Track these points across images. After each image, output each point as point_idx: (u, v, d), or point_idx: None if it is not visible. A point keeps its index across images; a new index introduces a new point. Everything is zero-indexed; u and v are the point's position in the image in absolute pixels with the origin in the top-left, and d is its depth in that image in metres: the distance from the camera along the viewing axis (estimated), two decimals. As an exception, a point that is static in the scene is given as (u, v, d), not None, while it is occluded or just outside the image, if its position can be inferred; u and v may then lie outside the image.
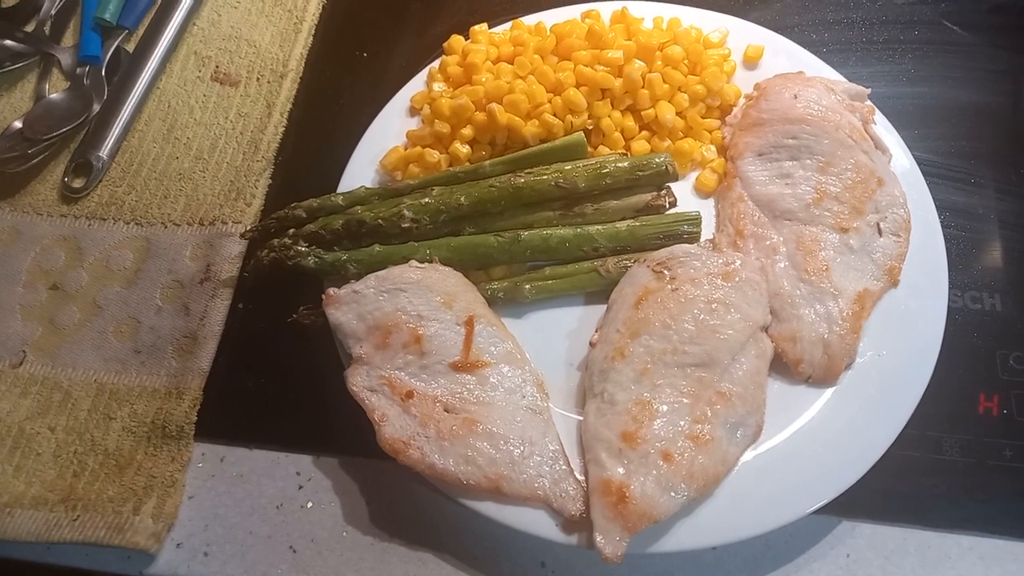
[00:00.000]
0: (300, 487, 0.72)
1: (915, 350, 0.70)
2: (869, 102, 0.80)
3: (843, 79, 0.81)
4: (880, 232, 0.74)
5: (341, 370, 0.71)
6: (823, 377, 0.70)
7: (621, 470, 0.64)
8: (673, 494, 0.62)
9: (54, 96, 0.94)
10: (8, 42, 0.97)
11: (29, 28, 0.99)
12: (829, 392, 0.69)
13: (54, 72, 0.97)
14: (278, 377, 0.77)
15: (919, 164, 0.78)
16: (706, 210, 0.79)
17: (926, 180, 0.77)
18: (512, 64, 0.83)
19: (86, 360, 0.79)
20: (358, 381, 0.70)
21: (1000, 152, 0.84)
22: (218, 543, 0.70)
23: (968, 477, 0.68)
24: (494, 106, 0.79)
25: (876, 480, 0.65)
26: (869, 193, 0.75)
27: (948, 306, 0.71)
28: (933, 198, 0.76)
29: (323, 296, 0.72)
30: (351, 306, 0.72)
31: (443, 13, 0.98)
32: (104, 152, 0.89)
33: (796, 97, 0.78)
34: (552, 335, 0.75)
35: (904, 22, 0.92)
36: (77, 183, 0.88)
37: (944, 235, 0.74)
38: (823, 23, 0.93)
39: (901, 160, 0.78)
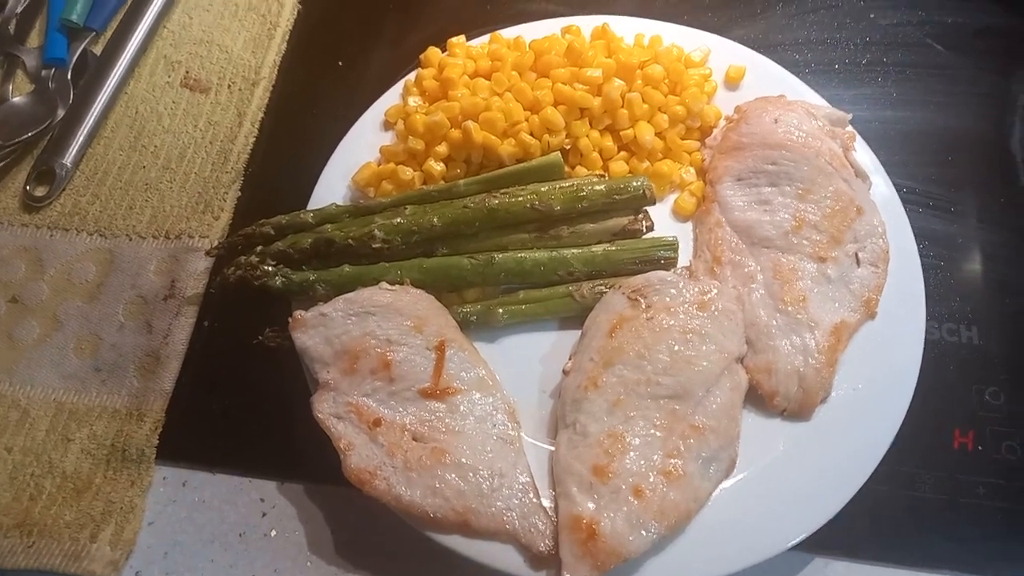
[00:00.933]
0: (264, 514, 0.71)
1: (891, 384, 0.69)
2: (850, 127, 0.78)
3: (825, 103, 0.80)
4: (858, 262, 0.73)
5: (308, 392, 0.70)
6: (798, 411, 0.69)
7: (592, 505, 0.63)
8: (643, 532, 0.61)
9: (17, 99, 0.90)
10: (-30, 42, 0.93)
11: (-8, 27, 0.96)
12: (804, 426, 0.69)
13: (18, 74, 0.94)
14: (243, 399, 0.75)
15: (899, 191, 0.77)
16: (684, 233, 0.78)
17: (906, 208, 0.76)
18: (489, 80, 0.81)
19: (45, 377, 0.77)
20: (324, 408, 0.68)
21: (982, 179, 0.84)
22: (178, 571, 0.68)
23: (941, 514, 0.68)
24: (470, 124, 0.77)
25: (850, 516, 0.64)
26: (848, 222, 0.74)
27: (925, 339, 0.70)
28: (912, 226, 0.75)
29: (289, 319, 0.70)
30: (318, 329, 0.70)
31: (421, 22, 0.95)
32: (68, 159, 0.86)
33: (777, 121, 0.77)
34: (525, 361, 0.74)
35: (888, 43, 0.91)
36: (39, 191, 0.86)
37: (923, 264, 0.73)
38: (806, 43, 0.92)
39: (881, 188, 0.77)
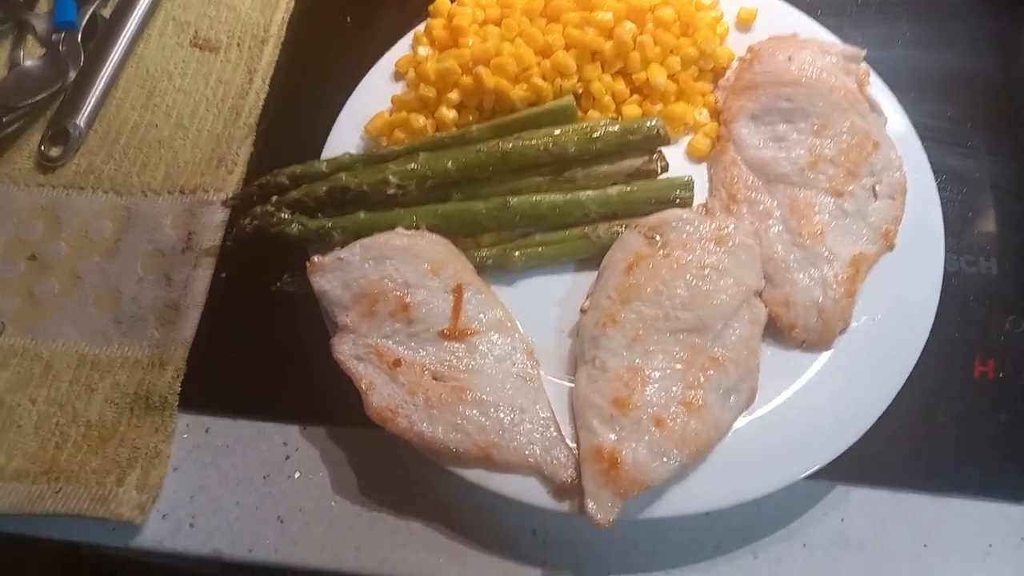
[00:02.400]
0: (287, 457, 0.71)
1: (910, 314, 0.69)
2: (865, 64, 0.78)
3: (838, 41, 0.80)
4: (875, 195, 0.73)
5: (327, 339, 0.70)
6: (817, 342, 0.69)
7: (613, 436, 0.63)
8: (665, 460, 0.62)
9: (29, 63, 0.91)
10: (-20, 8, 0.94)
11: (2, -6, 0.96)
12: (823, 357, 0.69)
13: (28, 39, 0.94)
14: (263, 347, 0.76)
15: (914, 128, 0.77)
16: (699, 175, 0.78)
17: (922, 144, 0.75)
18: (499, 27, 0.80)
19: (66, 332, 0.77)
20: (344, 350, 0.68)
21: (994, 117, 0.83)
22: (204, 514, 0.69)
23: (962, 442, 0.68)
24: (481, 69, 0.77)
25: (870, 445, 0.64)
26: (864, 156, 0.73)
27: (944, 269, 0.70)
28: (929, 162, 0.75)
29: (307, 264, 0.70)
30: (336, 274, 0.70)
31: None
32: (81, 120, 0.87)
33: (790, 59, 0.76)
34: (542, 302, 0.74)
35: (901, -16, 0.90)
36: (54, 152, 0.86)
37: (940, 199, 0.73)
38: (817, -16, 0.91)
39: (897, 123, 0.77)
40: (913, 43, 0.87)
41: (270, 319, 0.76)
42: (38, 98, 0.87)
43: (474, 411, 0.66)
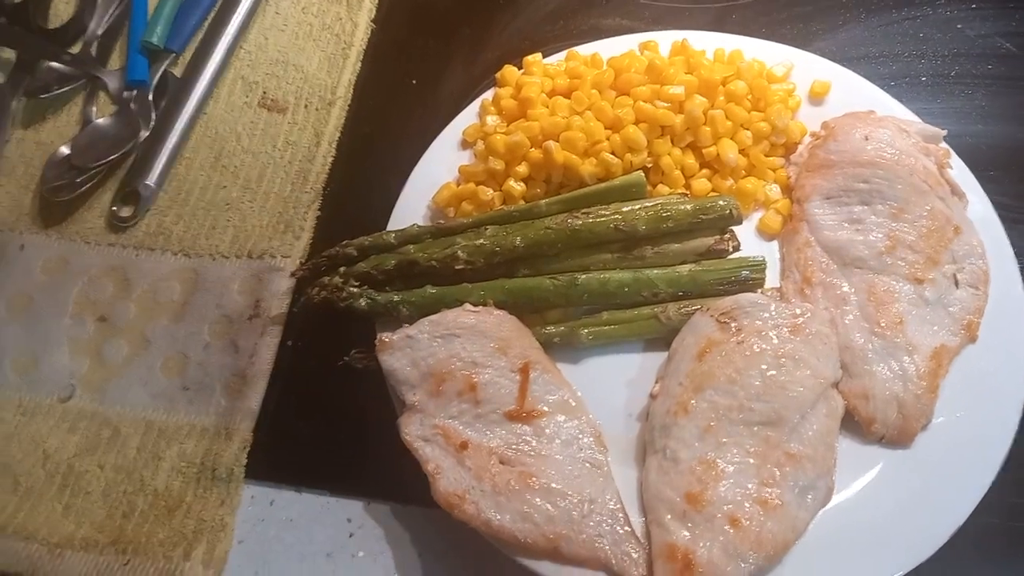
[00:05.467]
0: (351, 535, 0.71)
1: (995, 411, 0.67)
2: (944, 144, 0.76)
3: (916, 118, 0.78)
4: (957, 284, 0.71)
5: (393, 412, 0.70)
6: (897, 438, 0.67)
7: (686, 534, 0.62)
8: (741, 563, 0.60)
9: (101, 121, 0.93)
10: (55, 64, 0.96)
11: (75, 50, 0.98)
12: (903, 454, 0.67)
13: (101, 96, 0.96)
14: (329, 418, 0.76)
15: (995, 208, 0.74)
16: (770, 252, 0.77)
17: (1003, 225, 0.73)
18: (568, 98, 0.80)
19: (134, 396, 0.78)
20: (412, 430, 0.68)
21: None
22: (268, 591, 0.69)
23: (1050, 549, 0.65)
24: (551, 144, 0.76)
25: (951, 548, 0.62)
26: (945, 242, 0.71)
27: (1028, 363, 0.67)
28: (1012, 246, 0.72)
29: (376, 342, 0.70)
30: (404, 351, 0.70)
31: (494, 40, 0.95)
32: (152, 180, 0.88)
33: (867, 138, 0.75)
34: (610, 383, 0.73)
35: (977, 55, 0.88)
36: (125, 212, 0.88)
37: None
38: (890, 55, 0.89)
39: (977, 206, 0.75)
40: (991, 116, 0.85)
41: (337, 390, 0.76)
42: (111, 158, 0.88)
43: (542, 500, 0.65)
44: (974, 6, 0.91)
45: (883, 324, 0.69)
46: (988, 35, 0.89)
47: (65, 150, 0.90)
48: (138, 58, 0.95)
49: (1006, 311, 0.70)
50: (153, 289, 0.83)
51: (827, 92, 0.82)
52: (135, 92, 0.94)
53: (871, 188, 0.73)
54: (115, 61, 0.99)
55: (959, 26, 0.90)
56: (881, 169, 0.73)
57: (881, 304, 0.70)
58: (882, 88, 0.81)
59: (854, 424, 0.68)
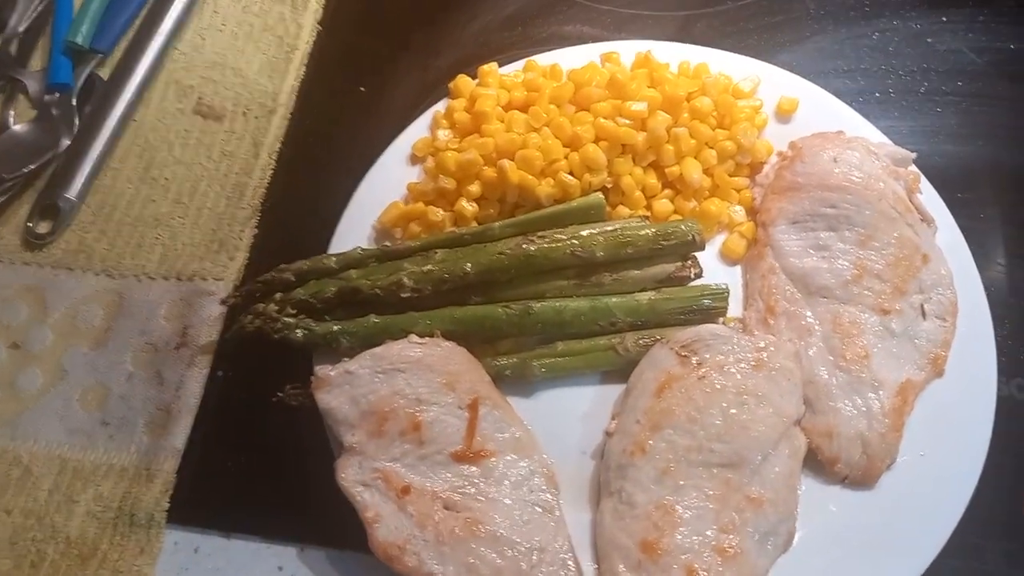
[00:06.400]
0: (283, 584, 0.66)
1: (961, 450, 0.64)
2: (914, 168, 0.73)
3: (886, 140, 0.75)
4: (924, 315, 0.68)
5: (330, 449, 0.66)
6: (861, 479, 0.64)
7: (641, 587, 0.58)
8: (698, 618, 0.57)
9: (19, 128, 0.85)
10: (-31, 64, 0.88)
11: (-7, 48, 0.90)
12: (866, 494, 0.64)
13: (19, 99, 0.88)
14: (260, 457, 0.70)
15: (963, 233, 0.72)
16: (732, 277, 0.73)
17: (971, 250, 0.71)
18: (525, 113, 0.75)
19: (49, 431, 0.72)
20: (350, 474, 0.63)
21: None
22: (191, 649, 0.64)
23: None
24: (505, 163, 0.71)
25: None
26: (913, 271, 0.69)
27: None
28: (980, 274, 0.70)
29: (312, 378, 0.65)
30: (343, 388, 0.65)
31: (449, 45, 0.90)
32: (73, 193, 0.81)
33: (836, 161, 0.71)
34: (564, 419, 0.69)
35: (947, 71, 0.85)
36: (42, 228, 0.80)
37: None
38: (858, 69, 0.86)
39: (945, 232, 0.72)
40: (963, 136, 0.82)
41: (270, 426, 0.70)
42: (28, 168, 0.81)
43: (488, 549, 0.60)
44: (944, 20, 0.89)
45: (848, 357, 0.66)
46: (958, 50, 0.87)
47: (-23, 159, 0.82)
48: (61, 59, 0.88)
49: (973, 343, 0.68)
50: (72, 313, 0.77)
51: (795, 109, 0.78)
52: (57, 96, 0.86)
53: (838, 213, 0.70)
54: (36, 62, 0.91)
55: (929, 40, 0.87)
56: (849, 194, 0.70)
57: (847, 336, 0.67)
58: (850, 104, 0.79)
59: (816, 463, 0.65)
